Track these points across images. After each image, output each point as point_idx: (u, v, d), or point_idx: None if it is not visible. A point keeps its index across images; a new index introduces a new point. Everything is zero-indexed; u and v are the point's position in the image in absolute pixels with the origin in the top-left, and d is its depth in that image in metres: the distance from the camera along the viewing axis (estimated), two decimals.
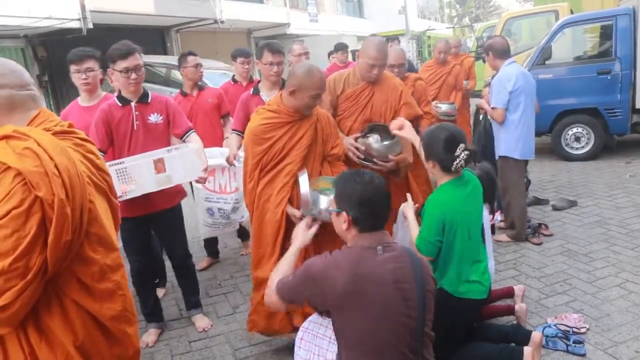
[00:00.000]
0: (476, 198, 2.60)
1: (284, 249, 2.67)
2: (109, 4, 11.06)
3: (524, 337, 2.62)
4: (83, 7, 10.52)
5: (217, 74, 10.19)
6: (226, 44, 15.40)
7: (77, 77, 3.30)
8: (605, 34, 6.85)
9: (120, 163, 2.85)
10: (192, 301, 3.45)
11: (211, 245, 4.45)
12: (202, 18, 14.13)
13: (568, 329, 2.84)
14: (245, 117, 3.48)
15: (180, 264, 3.39)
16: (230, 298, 3.75)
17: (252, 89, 3.68)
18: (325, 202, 2.40)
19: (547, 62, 6.87)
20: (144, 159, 2.89)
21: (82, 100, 3.43)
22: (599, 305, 3.15)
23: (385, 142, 3.00)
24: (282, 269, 2.04)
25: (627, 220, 4.53)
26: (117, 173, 2.77)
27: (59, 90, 12.53)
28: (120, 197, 2.73)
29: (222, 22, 14.34)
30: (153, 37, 14.59)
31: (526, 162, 4.38)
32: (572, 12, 9.34)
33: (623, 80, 6.48)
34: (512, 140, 4.12)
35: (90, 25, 10.75)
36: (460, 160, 2.39)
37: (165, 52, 14.81)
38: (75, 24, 10.54)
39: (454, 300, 2.49)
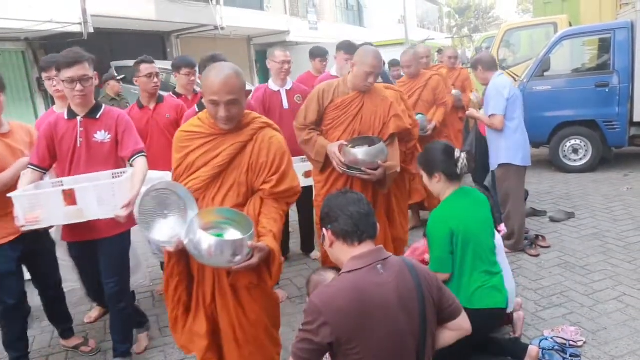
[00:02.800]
0: (481, 209, 2.63)
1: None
2: (110, 8, 11.10)
3: (520, 350, 2.61)
4: (84, 12, 10.54)
5: None
6: (226, 50, 15.40)
7: (50, 85, 3.08)
8: (604, 46, 6.89)
9: (59, 183, 2.67)
10: (119, 350, 3.00)
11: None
12: (202, 24, 14.17)
13: (565, 342, 2.84)
14: None
15: (112, 301, 2.94)
16: None
17: (196, 105, 3.32)
18: (207, 241, 1.90)
19: (545, 74, 6.91)
20: (83, 182, 2.63)
21: (59, 108, 3.20)
22: (596, 318, 3.14)
23: (370, 149, 2.94)
24: None
25: (625, 233, 4.53)
26: (26, 199, 2.50)
27: None
28: (23, 226, 2.50)
29: (222, 28, 14.38)
30: (153, 43, 14.62)
31: (525, 170, 4.40)
32: (570, 25, 9.39)
33: (621, 93, 6.52)
34: (513, 147, 4.18)
35: (91, 30, 10.76)
36: (463, 161, 2.56)
37: (165, 57, 14.84)
38: (76, 28, 10.55)
39: (471, 313, 2.47)
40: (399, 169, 3.15)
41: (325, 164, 3.16)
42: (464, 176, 2.76)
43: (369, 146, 2.98)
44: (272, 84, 4.20)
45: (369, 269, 1.74)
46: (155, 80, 3.79)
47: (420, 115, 4.57)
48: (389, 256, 1.81)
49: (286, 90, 4.18)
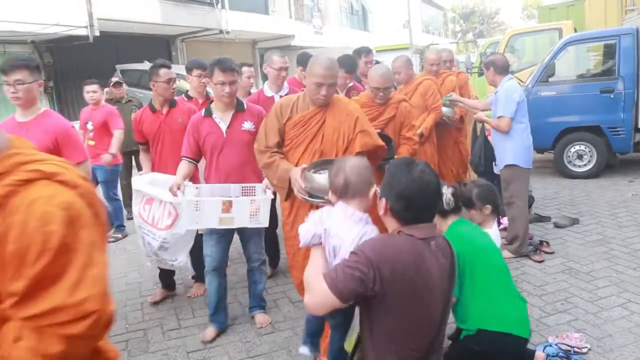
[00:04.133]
0: (483, 236, 2.70)
1: None
2: (116, 12, 11.18)
3: (526, 356, 2.60)
4: (90, 15, 10.63)
5: None
6: (231, 54, 15.37)
7: (6, 90, 2.81)
8: (609, 52, 6.89)
9: None
10: None
11: (166, 277, 3.99)
12: (207, 28, 14.26)
13: (569, 348, 2.82)
14: (195, 143, 3.24)
15: None
16: (230, 309, 3.73)
17: (203, 110, 3.28)
18: None
19: (550, 80, 6.89)
20: None
21: (18, 116, 2.90)
22: (600, 325, 3.13)
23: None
24: (318, 266, 1.85)
25: (630, 240, 4.51)
26: None
27: (63, 97, 12.61)
28: None
29: (227, 32, 14.47)
30: (159, 46, 14.71)
31: (529, 173, 4.40)
32: (575, 31, 9.39)
33: (626, 99, 6.50)
34: (520, 148, 4.21)
35: (97, 33, 10.85)
36: (447, 195, 2.60)
37: (170, 61, 14.91)
38: (82, 31, 10.64)
39: (502, 337, 2.41)
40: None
41: (290, 191, 2.80)
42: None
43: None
44: (267, 90, 4.08)
45: (426, 242, 1.74)
46: (174, 85, 3.77)
47: (449, 109, 4.66)
48: (439, 235, 1.83)
49: (280, 96, 3.93)
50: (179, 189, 3.10)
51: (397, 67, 4.79)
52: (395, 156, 3.47)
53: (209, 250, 3.28)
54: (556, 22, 10.84)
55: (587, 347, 2.86)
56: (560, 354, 2.76)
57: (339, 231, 1.89)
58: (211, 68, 3.15)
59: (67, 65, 12.46)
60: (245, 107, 3.32)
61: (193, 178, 3.50)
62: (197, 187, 3.30)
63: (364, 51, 5.16)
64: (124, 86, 6.68)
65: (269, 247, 4.26)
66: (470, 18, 45.29)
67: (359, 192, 1.92)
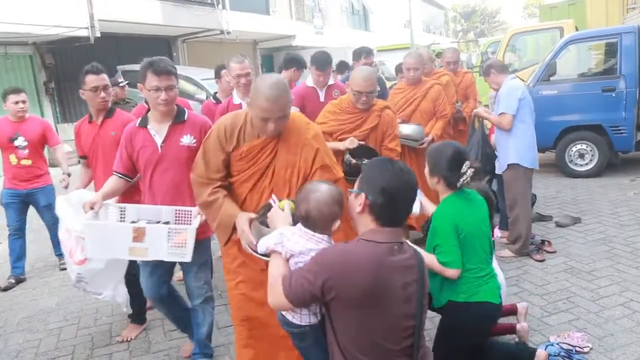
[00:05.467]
0: (481, 211, 2.60)
1: None
2: (117, 13, 11.19)
3: (528, 355, 2.60)
4: (91, 16, 10.63)
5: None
6: (232, 54, 15.43)
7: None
8: (610, 51, 6.88)
9: None
10: None
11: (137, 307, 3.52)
12: (208, 29, 14.26)
13: (571, 347, 2.82)
14: (129, 157, 2.78)
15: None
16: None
17: (139, 120, 2.82)
18: None
19: (551, 79, 6.89)
20: None
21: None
22: (602, 324, 3.12)
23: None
24: (279, 266, 1.85)
25: (632, 239, 4.50)
26: None
27: (65, 98, 12.63)
28: None
29: (228, 32, 14.46)
30: (160, 47, 14.70)
31: (532, 173, 4.39)
32: (577, 29, 9.38)
33: (628, 98, 6.49)
34: (523, 147, 4.18)
35: (98, 34, 10.85)
36: (467, 178, 2.45)
37: (171, 61, 14.95)
38: (83, 33, 10.64)
39: (471, 307, 2.43)
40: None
41: (231, 237, 2.36)
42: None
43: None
44: (235, 97, 3.81)
45: (388, 247, 1.71)
46: (103, 94, 3.26)
47: (416, 126, 4.33)
48: (404, 241, 1.80)
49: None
50: (92, 208, 2.61)
51: (414, 64, 4.41)
52: None
53: (143, 282, 2.87)
54: (557, 21, 10.85)
55: (588, 347, 2.86)
56: (562, 353, 2.76)
57: (303, 252, 1.84)
58: (143, 71, 2.66)
59: (68, 66, 12.47)
60: (186, 117, 2.80)
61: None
62: (121, 208, 2.83)
63: (365, 52, 4.99)
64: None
65: None
66: (471, 17, 45.28)
67: (318, 227, 1.86)
